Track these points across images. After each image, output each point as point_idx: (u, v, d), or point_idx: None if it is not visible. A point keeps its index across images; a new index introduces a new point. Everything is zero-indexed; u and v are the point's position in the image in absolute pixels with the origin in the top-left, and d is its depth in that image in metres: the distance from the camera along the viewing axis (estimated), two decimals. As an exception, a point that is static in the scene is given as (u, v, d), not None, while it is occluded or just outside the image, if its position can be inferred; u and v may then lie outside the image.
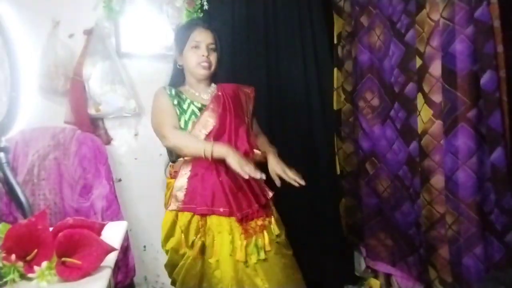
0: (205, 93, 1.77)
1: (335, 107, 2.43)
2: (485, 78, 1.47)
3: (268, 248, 1.62)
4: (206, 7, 2.21)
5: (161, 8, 2.22)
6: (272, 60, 2.36)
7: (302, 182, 1.62)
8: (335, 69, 2.42)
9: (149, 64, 2.25)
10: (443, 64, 1.60)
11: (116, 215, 2.03)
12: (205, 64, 1.71)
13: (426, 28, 1.68)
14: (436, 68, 1.65)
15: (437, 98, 1.66)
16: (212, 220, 1.63)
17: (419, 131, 1.76)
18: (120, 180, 2.25)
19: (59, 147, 2.05)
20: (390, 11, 1.96)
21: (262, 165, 1.69)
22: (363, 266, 2.41)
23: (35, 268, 0.97)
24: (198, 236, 1.62)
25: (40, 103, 2.03)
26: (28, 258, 1.00)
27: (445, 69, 1.59)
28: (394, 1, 1.92)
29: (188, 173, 1.67)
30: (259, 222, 1.64)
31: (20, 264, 0.97)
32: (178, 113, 1.69)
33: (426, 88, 1.70)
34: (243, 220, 1.61)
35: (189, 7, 2.20)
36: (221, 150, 1.58)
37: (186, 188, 1.66)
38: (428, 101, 1.69)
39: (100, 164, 2.06)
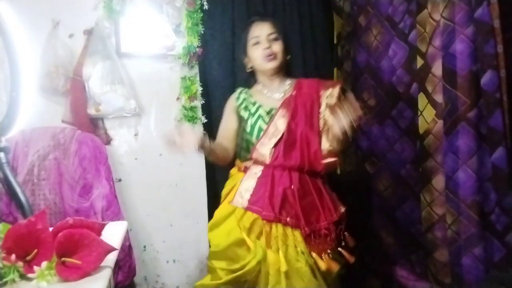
0: (277, 92, 1.68)
1: (335, 107, 2.43)
2: (486, 78, 1.47)
3: (335, 268, 1.50)
4: (206, 7, 2.21)
5: (161, 8, 2.21)
6: (272, 60, 2.35)
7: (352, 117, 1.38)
8: (335, 69, 2.42)
9: (149, 64, 2.25)
10: (443, 64, 1.60)
11: (116, 215, 2.03)
12: (269, 56, 1.61)
13: (428, 28, 1.68)
14: (438, 68, 1.65)
15: (440, 98, 1.66)
16: (278, 229, 1.52)
17: (421, 131, 1.76)
18: (120, 180, 2.25)
19: (59, 147, 2.04)
20: (390, 11, 1.96)
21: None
22: (363, 266, 2.41)
23: (35, 268, 0.97)
24: (261, 241, 1.52)
25: (40, 103, 2.03)
26: (28, 258, 1.00)
27: (446, 69, 1.59)
28: (395, 1, 1.92)
29: (259, 173, 1.61)
30: (324, 241, 1.52)
31: (20, 264, 0.97)
32: (246, 117, 1.67)
33: (429, 88, 1.70)
34: (311, 235, 1.50)
35: (189, 7, 2.20)
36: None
37: (254, 189, 1.58)
38: (431, 101, 1.70)
39: (100, 164, 2.06)
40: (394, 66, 1.96)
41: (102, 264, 1.03)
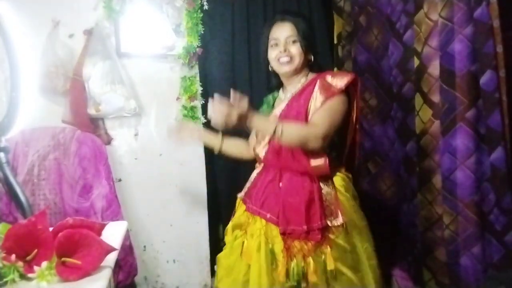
0: (289, 92, 1.64)
1: (335, 107, 2.43)
2: (485, 78, 1.47)
3: (312, 279, 1.44)
4: (206, 7, 2.21)
5: (161, 8, 2.21)
6: (272, 60, 2.35)
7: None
8: (335, 69, 2.42)
9: (149, 64, 2.25)
10: (441, 64, 1.60)
11: (116, 215, 2.03)
12: (284, 59, 1.58)
13: (424, 28, 1.68)
14: (435, 68, 1.65)
15: (437, 98, 1.66)
16: (258, 223, 1.55)
17: (418, 131, 1.76)
18: (120, 180, 2.25)
19: (59, 147, 2.05)
20: (389, 11, 1.96)
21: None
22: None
23: (35, 268, 0.97)
24: (242, 233, 1.61)
25: (40, 103, 2.03)
26: (28, 258, 1.00)
27: (444, 69, 1.59)
28: (393, 1, 1.92)
29: (260, 169, 1.69)
30: (306, 246, 1.47)
31: (20, 264, 0.97)
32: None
33: (425, 88, 1.70)
34: (286, 235, 1.48)
35: (189, 7, 2.20)
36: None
37: (252, 182, 1.68)
38: (427, 101, 1.70)
39: (100, 164, 2.06)
40: (391, 66, 1.96)
41: (102, 264, 1.03)
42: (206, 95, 2.29)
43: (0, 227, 1.07)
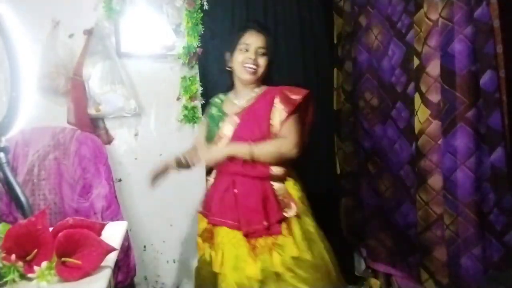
0: (243, 100, 1.70)
1: (335, 107, 2.44)
2: (485, 78, 1.47)
3: (279, 269, 1.50)
4: (206, 7, 2.21)
5: (161, 8, 2.21)
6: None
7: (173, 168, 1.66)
8: (335, 69, 2.43)
9: (149, 64, 2.25)
10: (442, 64, 1.60)
11: (116, 215, 2.03)
12: (251, 67, 1.64)
13: (424, 28, 1.68)
14: (433, 68, 1.65)
15: (434, 98, 1.66)
16: (221, 232, 1.59)
17: (416, 131, 1.76)
18: (120, 180, 2.25)
19: (59, 147, 2.05)
20: (389, 11, 1.96)
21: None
22: (363, 266, 2.41)
23: (35, 268, 0.97)
24: (208, 245, 1.64)
25: (40, 103, 2.02)
26: (28, 258, 0.99)
27: (444, 69, 1.59)
28: (394, 1, 1.92)
29: (212, 180, 1.73)
30: (269, 241, 1.54)
31: (20, 264, 0.97)
32: (210, 122, 1.73)
33: (423, 88, 1.70)
34: (249, 236, 1.54)
35: (189, 7, 2.20)
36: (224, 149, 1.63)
37: (207, 195, 1.72)
38: (425, 101, 1.70)
39: (100, 164, 2.06)
40: (393, 66, 1.96)
41: (102, 264, 1.03)
42: (206, 95, 2.29)
43: (0, 227, 1.07)
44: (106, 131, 2.22)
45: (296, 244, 1.53)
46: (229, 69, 1.73)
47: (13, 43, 1.18)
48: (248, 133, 1.60)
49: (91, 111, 2.12)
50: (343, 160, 2.41)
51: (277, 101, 1.62)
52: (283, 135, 1.60)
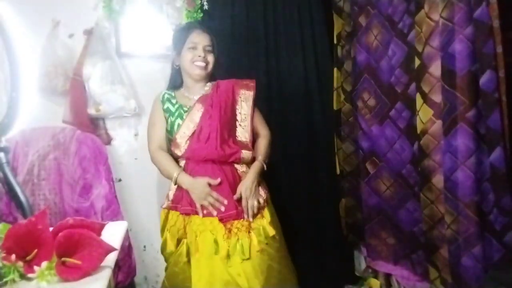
0: (198, 94, 1.80)
1: (335, 107, 2.43)
2: (485, 78, 1.47)
3: (256, 248, 1.61)
4: (206, 7, 2.21)
5: (161, 8, 2.21)
6: (272, 60, 2.36)
7: (250, 219, 1.66)
8: (335, 69, 2.42)
9: (149, 64, 2.25)
10: (442, 64, 1.60)
11: (116, 215, 2.03)
12: (201, 63, 1.76)
13: (425, 28, 1.68)
14: (436, 68, 1.65)
15: (437, 98, 1.66)
16: (195, 220, 1.65)
17: (418, 131, 1.76)
18: (120, 180, 2.25)
19: (59, 147, 2.05)
20: (389, 11, 1.96)
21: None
22: (363, 266, 2.41)
23: (35, 268, 0.97)
24: (183, 236, 1.68)
25: (40, 103, 2.03)
26: (28, 258, 1.00)
27: (444, 69, 1.59)
28: (395, 1, 1.92)
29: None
30: (245, 223, 1.64)
31: (20, 264, 0.97)
32: (167, 116, 1.78)
33: (425, 88, 1.70)
34: (224, 220, 1.62)
35: (189, 7, 2.20)
36: (184, 181, 1.68)
37: (176, 188, 1.73)
38: (428, 101, 1.70)
39: (100, 164, 2.06)
40: (393, 66, 1.96)
41: (102, 264, 1.03)
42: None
43: (0, 227, 1.07)
44: (106, 131, 2.22)
45: (269, 225, 1.67)
46: (176, 67, 1.83)
47: (13, 43, 1.18)
48: (216, 117, 1.70)
49: (91, 111, 2.12)
50: (343, 160, 2.41)
51: (238, 90, 1.79)
52: (263, 132, 1.85)
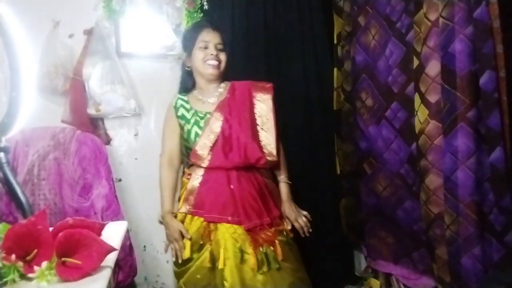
0: (212, 96, 1.75)
1: (335, 107, 2.43)
2: (485, 78, 1.47)
3: (280, 257, 1.58)
4: (206, 7, 2.21)
5: (161, 8, 2.21)
6: (272, 60, 2.36)
7: (307, 233, 1.68)
8: (335, 69, 2.42)
9: (149, 64, 2.25)
10: (442, 64, 1.60)
11: (116, 215, 2.03)
12: (214, 62, 1.70)
13: (423, 28, 1.68)
14: (432, 68, 1.65)
15: (433, 98, 1.66)
16: (221, 228, 1.60)
17: (416, 131, 1.76)
18: (120, 180, 2.25)
19: (59, 147, 2.05)
20: (388, 11, 1.96)
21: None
22: (363, 266, 2.41)
23: (35, 268, 0.97)
24: (207, 243, 1.61)
25: (40, 103, 2.03)
26: (28, 258, 0.99)
27: (445, 69, 1.59)
28: (394, 1, 1.92)
29: (200, 178, 1.69)
30: (269, 233, 1.60)
31: (20, 264, 0.97)
32: (183, 123, 1.73)
33: (422, 88, 1.70)
34: (252, 230, 1.58)
35: (189, 7, 2.20)
36: (165, 219, 1.71)
37: (197, 193, 1.67)
38: (424, 101, 1.70)
39: (100, 164, 2.06)
40: (390, 66, 1.96)
41: (102, 264, 1.03)
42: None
43: (0, 227, 1.07)
44: (105, 131, 2.22)
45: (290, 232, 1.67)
46: (188, 69, 1.78)
47: (13, 43, 1.18)
48: (236, 126, 1.66)
49: (91, 111, 2.12)
50: (343, 160, 2.41)
51: (255, 92, 1.73)
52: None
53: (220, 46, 1.73)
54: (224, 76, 1.78)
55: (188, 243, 1.64)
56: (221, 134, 1.66)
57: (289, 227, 1.68)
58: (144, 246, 2.32)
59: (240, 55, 2.32)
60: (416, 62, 1.74)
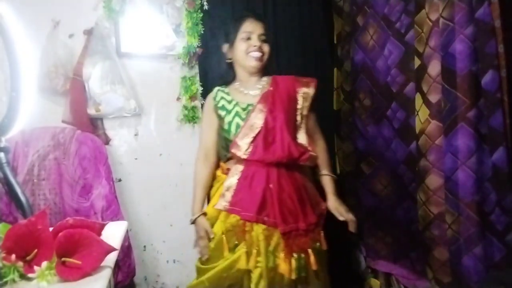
0: (254, 89, 1.68)
1: (335, 107, 2.43)
2: (486, 78, 1.47)
3: (314, 267, 1.53)
4: (206, 7, 2.21)
5: (161, 8, 2.22)
6: (272, 60, 2.35)
7: (355, 230, 1.61)
8: (335, 69, 2.42)
9: (149, 64, 2.25)
10: (442, 64, 1.60)
11: (116, 215, 2.03)
12: (257, 54, 1.64)
13: (425, 28, 1.68)
14: (433, 68, 1.65)
15: (434, 98, 1.66)
16: (257, 229, 1.53)
17: (417, 131, 1.76)
18: (120, 180, 2.25)
19: (59, 147, 2.05)
20: (386, 11, 1.96)
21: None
22: (363, 266, 2.41)
23: (35, 268, 0.97)
24: (242, 242, 1.55)
25: (40, 103, 2.02)
26: (28, 258, 0.99)
27: (445, 69, 1.59)
28: (392, 1, 1.92)
29: (239, 174, 1.61)
30: (303, 239, 1.54)
31: (20, 264, 0.97)
32: (223, 115, 1.66)
33: (424, 88, 1.70)
34: (286, 234, 1.52)
35: (189, 7, 2.20)
36: (198, 221, 1.65)
37: (235, 190, 1.60)
38: (425, 101, 1.70)
39: (100, 164, 2.06)
40: (389, 66, 1.96)
41: (102, 264, 1.03)
42: (206, 95, 2.29)
43: (0, 227, 1.07)
44: (104, 131, 2.22)
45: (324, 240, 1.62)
46: (229, 61, 1.72)
47: (13, 43, 1.18)
48: (280, 119, 1.58)
49: (91, 111, 2.12)
50: (343, 160, 2.41)
51: (299, 87, 1.66)
52: (315, 134, 1.73)
53: (263, 37, 1.66)
54: (266, 69, 1.72)
55: (223, 240, 1.58)
56: (264, 126, 1.58)
57: (342, 218, 1.61)
58: (144, 246, 2.32)
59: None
60: (417, 62, 1.74)
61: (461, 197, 1.58)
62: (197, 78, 2.28)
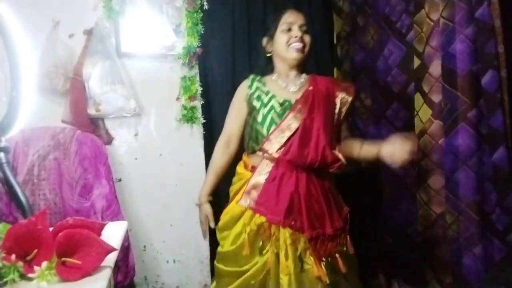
0: (293, 85, 1.62)
1: (335, 107, 2.43)
2: (487, 78, 1.47)
3: (343, 270, 1.50)
4: (206, 7, 2.21)
5: (161, 8, 2.21)
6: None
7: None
8: (335, 69, 2.42)
9: (149, 64, 2.25)
10: (443, 64, 1.60)
11: (116, 215, 2.03)
12: (299, 45, 1.57)
13: (425, 28, 1.68)
14: (435, 68, 1.65)
15: (436, 98, 1.66)
16: (284, 233, 1.49)
17: (417, 131, 1.76)
18: (120, 180, 2.25)
19: (59, 147, 2.04)
20: (387, 11, 1.96)
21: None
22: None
23: (35, 268, 0.97)
24: (269, 245, 1.50)
25: (40, 103, 2.02)
26: (28, 258, 0.99)
27: (445, 69, 1.59)
28: (393, 1, 1.92)
29: (267, 174, 1.56)
30: (330, 244, 1.50)
31: (20, 264, 0.97)
32: (258, 106, 1.60)
33: (425, 88, 1.70)
34: (313, 240, 1.48)
35: (189, 7, 2.20)
36: (200, 202, 1.69)
37: (262, 190, 1.54)
38: (427, 101, 1.70)
39: (100, 164, 2.06)
40: (390, 65, 1.96)
41: (102, 264, 1.03)
42: (206, 95, 2.29)
43: (0, 227, 1.07)
44: (106, 131, 2.22)
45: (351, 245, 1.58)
46: (269, 54, 1.66)
47: (13, 43, 1.18)
48: (319, 121, 1.52)
49: (91, 111, 2.12)
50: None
51: (338, 92, 1.61)
52: (346, 137, 1.67)
53: (304, 28, 1.60)
54: (305, 65, 1.67)
55: (246, 239, 1.52)
56: (302, 126, 1.52)
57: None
58: (144, 246, 2.32)
59: (241, 55, 2.32)
60: (417, 62, 1.74)
61: (461, 197, 1.58)
62: (197, 78, 2.28)
